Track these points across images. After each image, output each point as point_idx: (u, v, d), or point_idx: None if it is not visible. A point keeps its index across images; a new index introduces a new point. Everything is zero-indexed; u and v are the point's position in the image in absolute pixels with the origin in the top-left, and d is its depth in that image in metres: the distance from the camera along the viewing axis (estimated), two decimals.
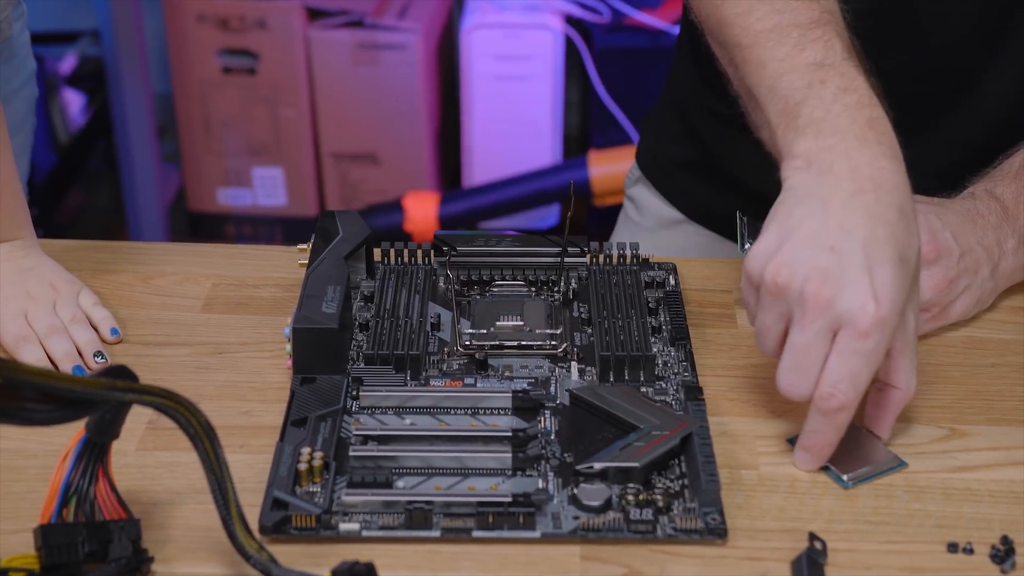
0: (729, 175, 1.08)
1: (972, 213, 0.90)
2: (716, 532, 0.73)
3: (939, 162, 0.94)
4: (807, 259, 0.74)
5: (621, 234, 1.19)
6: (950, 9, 0.95)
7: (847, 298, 0.73)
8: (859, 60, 0.81)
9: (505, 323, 0.88)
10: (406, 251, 0.95)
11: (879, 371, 0.77)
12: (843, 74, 0.79)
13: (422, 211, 2.37)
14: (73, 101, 2.49)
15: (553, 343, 0.87)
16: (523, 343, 0.87)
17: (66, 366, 0.86)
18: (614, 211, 1.28)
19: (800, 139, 0.78)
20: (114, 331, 0.90)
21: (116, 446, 0.69)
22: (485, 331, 0.88)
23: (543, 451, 0.78)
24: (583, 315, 0.91)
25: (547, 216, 2.51)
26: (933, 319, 0.89)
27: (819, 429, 0.76)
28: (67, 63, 2.48)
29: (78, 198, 2.54)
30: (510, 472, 0.76)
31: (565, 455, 0.78)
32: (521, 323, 0.88)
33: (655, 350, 0.87)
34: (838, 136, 0.77)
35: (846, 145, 0.76)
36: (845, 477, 0.78)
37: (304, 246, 0.93)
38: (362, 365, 0.85)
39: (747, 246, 0.88)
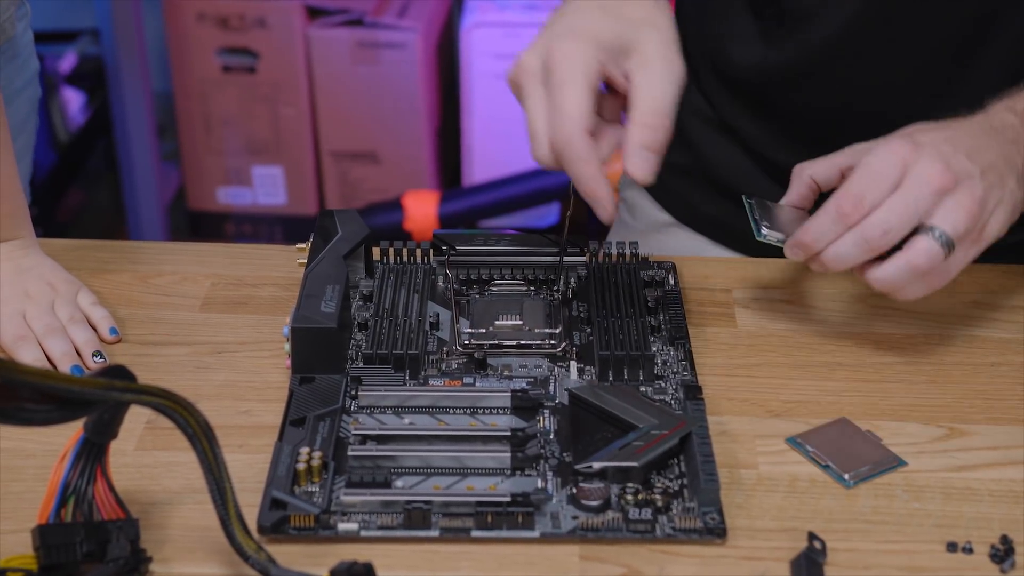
0: (717, 178, 1.08)
1: (986, 128, 0.86)
2: (715, 532, 0.73)
3: None
4: (530, 44, 0.80)
5: (615, 236, 1.19)
6: (918, 33, 0.95)
7: (539, 48, 0.79)
8: None
9: (504, 322, 0.88)
10: (405, 250, 0.95)
11: None
12: None
13: (422, 210, 2.37)
14: (73, 100, 2.49)
15: (552, 342, 0.87)
16: (522, 342, 0.87)
17: (64, 366, 0.86)
18: (622, 199, 1.28)
19: None
20: (113, 331, 0.90)
21: (114, 446, 0.69)
22: (484, 330, 0.88)
23: (542, 451, 0.78)
24: (582, 314, 0.91)
25: (547, 215, 2.50)
26: (972, 244, 0.83)
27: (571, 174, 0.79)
28: (67, 62, 2.48)
29: (78, 197, 2.54)
30: (509, 472, 0.76)
31: (564, 455, 0.78)
32: (520, 322, 0.88)
33: (654, 349, 0.87)
34: None
35: None
36: (846, 476, 0.78)
37: (303, 245, 0.93)
38: (361, 364, 0.85)
39: (764, 231, 0.87)
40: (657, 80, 0.79)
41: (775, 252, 1.03)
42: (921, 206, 0.81)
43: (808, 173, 0.90)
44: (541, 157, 0.80)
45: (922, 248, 0.81)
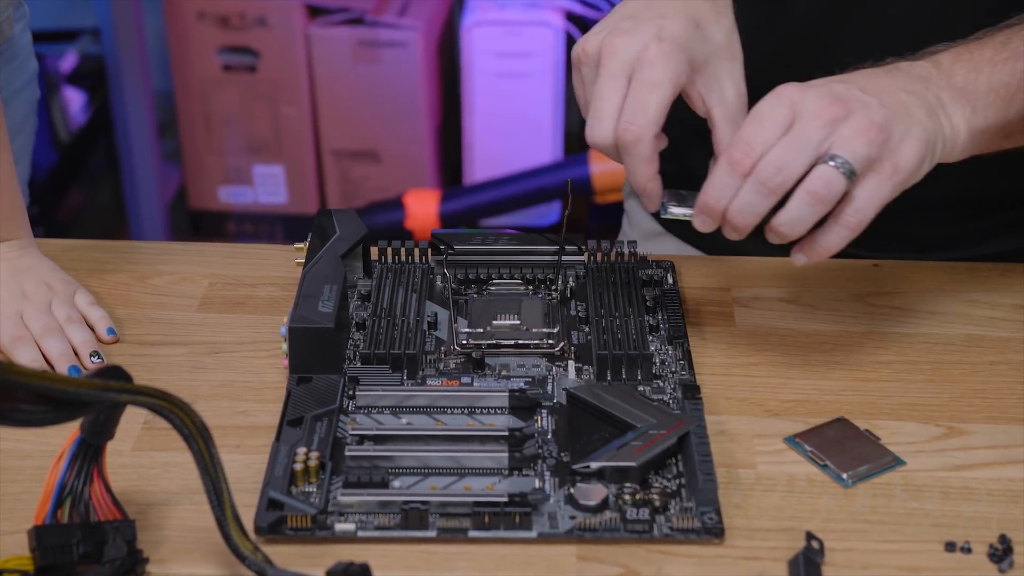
0: (700, 188, 1.08)
1: (892, 69, 0.83)
2: (713, 532, 0.72)
3: None
4: (612, 26, 0.81)
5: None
6: None
7: (634, 42, 0.80)
8: None
9: (502, 322, 0.88)
10: (403, 250, 0.95)
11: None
12: None
13: (423, 208, 2.37)
14: (74, 99, 2.49)
15: (550, 342, 0.87)
16: (520, 342, 0.87)
17: (62, 366, 0.86)
18: (615, 208, 1.28)
19: None
20: (110, 331, 0.90)
21: (112, 446, 0.69)
22: (482, 330, 0.87)
23: (540, 450, 0.78)
24: (580, 314, 0.91)
25: (548, 213, 2.50)
26: (887, 176, 0.78)
27: (630, 168, 0.81)
28: (67, 61, 2.48)
29: (79, 196, 2.54)
30: (506, 472, 0.76)
31: (562, 454, 0.78)
32: (518, 322, 0.88)
33: (652, 349, 0.87)
34: None
35: None
36: (844, 476, 0.77)
37: (301, 245, 0.93)
38: (359, 364, 0.85)
39: (670, 208, 0.84)
40: (740, 121, 0.81)
41: (773, 252, 1.03)
42: (814, 139, 0.77)
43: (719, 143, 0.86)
44: (600, 140, 0.81)
45: (818, 174, 0.77)
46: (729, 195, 0.79)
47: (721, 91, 0.83)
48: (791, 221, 0.78)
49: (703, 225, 0.81)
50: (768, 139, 0.78)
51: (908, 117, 0.79)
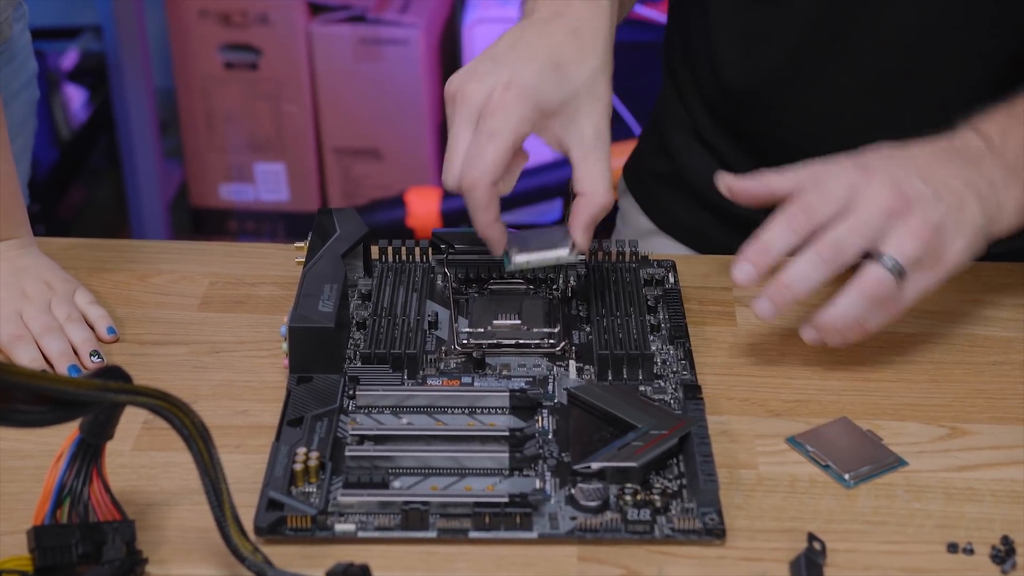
0: (694, 188, 1.09)
1: (947, 149, 0.84)
2: (714, 533, 0.72)
3: None
4: (472, 68, 0.83)
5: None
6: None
7: (483, 87, 0.81)
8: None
9: (503, 321, 0.88)
10: (404, 249, 0.94)
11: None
12: None
13: (425, 206, 2.36)
14: (75, 97, 2.49)
15: (551, 342, 0.87)
16: (521, 342, 0.86)
17: (62, 365, 0.86)
18: (615, 207, 1.28)
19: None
20: (111, 330, 0.90)
21: (111, 446, 0.69)
22: (483, 329, 0.87)
23: (540, 451, 0.77)
24: (581, 313, 0.90)
25: (550, 211, 2.50)
26: (931, 271, 0.81)
27: (471, 214, 0.85)
28: (69, 59, 2.48)
29: (80, 194, 2.53)
30: (507, 472, 0.76)
31: (563, 455, 0.77)
32: (519, 321, 0.88)
33: (654, 349, 0.86)
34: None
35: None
36: (847, 476, 0.77)
37: (301, 244, 0.93)
38: (359, 364, 0.85)
39: (514, 258, 0.85)
40: (599, 160, 0.83)
41: None
42: (872, 226, 0.80)
43: (767, 179, 0.87)
44: (449, 185, 0.83)
45: (871, 276, 0.80)
46: (781, 247, 0.81)
47: (580, 132, 0.83)
48: (839, 316, 0.81)
49: (744, 275, 0.82)
50: (827, 212, 0.81)
51: (961, 213, 0.82)
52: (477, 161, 0.81)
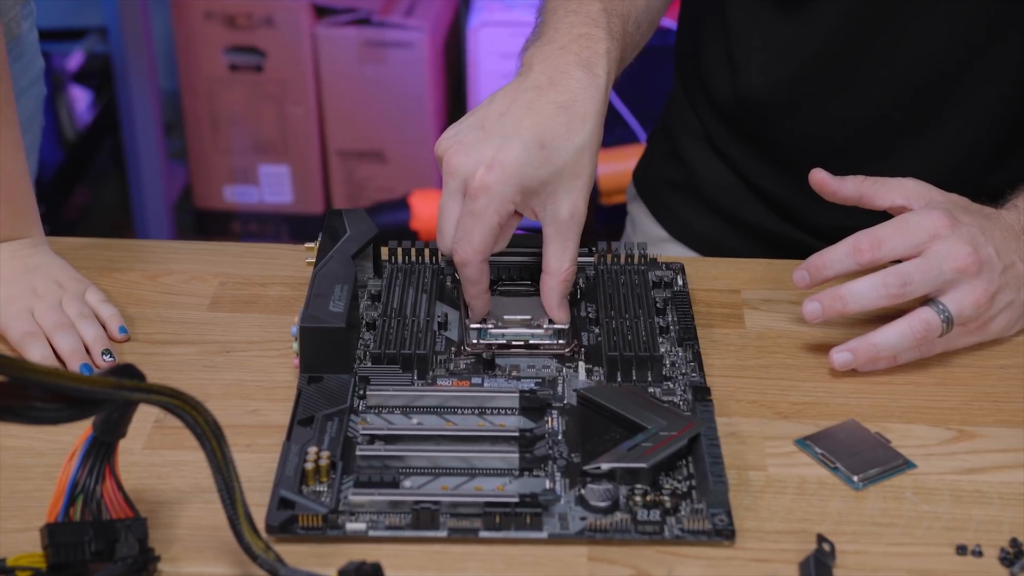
0: (707, 196, 1.09)
1: (1016, 228, 0.88)
2: (724, 534, 0.72)
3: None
4: (460, 135, 0.84)
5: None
6: (921, 35, 0.96)
7: (469, 162, 0.82)
8: (610, 18, 0.89)
9: (512, 322, 0.88)
10: (413, 250, 0.95)
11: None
12: (580, 9, 0.89)
13: (429, 209, 2.37)
14: (80, 98, 2.49)
15: (560, 343, 0.87)
16: (530, 343, 0.87)
17: (74, 363, 0.86)
18: (620, 209, 1.28)
19: (531, 48, 0.89)
20: (122, 329, 0.90)
21: (123, 445, 0.69)
22: (492, 330, 0.87)
23: (550, 451, 0.78)
24: (591, 315, 0.91)
25: None
26: (971, 333, 0.87)
27: (462, 283, 0.86)
28: (74, 60, 2.48)
29: (85, 195, 2.54)
30: (517, 472, 0.76)
31: (572, 455, 0.78)
32: (528, 322, 0.88)
33: (663, 350, 0.87)
34: (550, 45, 0.87)
35: (549, 50, 0.87)
36: (855, 478, 0.77)
37: (311, 245, 0.93)
38: (369, 364, 0.85)
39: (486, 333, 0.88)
40: (569, 239, 0.85)
41: (784, 253, 1.03)
42: (941, 276, 0.84)
43: (866, 183, 0.90)
44: (443, 251, 0.86)
45: (923, 317, 0.84)
46: (838, 269, 0.85)
47: (555, 210, 0.84)
48: (883, 344, 0.85)
49: (799, 278, 0.87)
50: (896, 249, 0.84)
51: (1016, 292, 0.87)
52: (466, 241, 0.83)
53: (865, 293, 0.84)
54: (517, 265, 0.94)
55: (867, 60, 0.98)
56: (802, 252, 0.90)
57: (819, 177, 0.89)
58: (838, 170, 0.90)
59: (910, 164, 0.96)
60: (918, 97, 0.98)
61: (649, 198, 1.17)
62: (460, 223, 0.83)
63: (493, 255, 0.94)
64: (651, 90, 2.25)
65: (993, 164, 1.00)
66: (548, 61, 0.86)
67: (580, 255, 0.94)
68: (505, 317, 0.88)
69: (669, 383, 0.84)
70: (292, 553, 0.70)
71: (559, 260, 0.85)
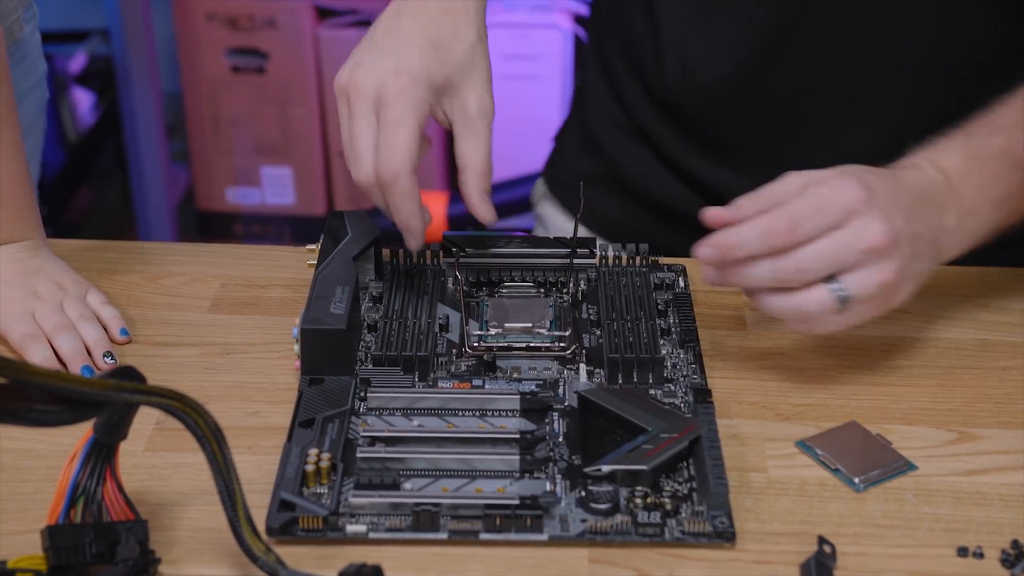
0: (629, 186, 1.09)
1: (921, 193, 0.84)
2: (724, 535, 0.72)
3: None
4: (357, 60, 0.84)
5: None
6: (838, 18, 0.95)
7: (374, 77, 0.83)
8: None
9: (513, 324, 0.88)
10: (415, 252, 0.95)
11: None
12: None
13: (431, 210, 2.36)
14: (82, 100, 2.49)
15: (561, 345, 0.87)
16: (531, 345, 0.87)
17: (75, 365, 0.86)
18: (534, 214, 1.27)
19: None
20: (123, 331, 0.90)
21: (123, 447, 0.69)
22: (493, 332, 0.87)
23: (551, 453, 0.78)
24: (592, 317, 0.91)
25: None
26: (874, 309, 0.82)
27: (392, 205, 0.85)
28: (76, 62, 2.48)
29: (87, 197, 2.54)
30: (518, 474, 0.76)
31: (573, 457, 0.78)
32: (529, 324, 0.88)
33: (664, 352, 0.87)
34: None
35: None
36: (856, 480, 0.77)
37: (313, 246, 0.93)
38: (370, 366, 0.85)
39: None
40: (480, 132, 0.86)
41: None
42: (847, 259, 0.79)
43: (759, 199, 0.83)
44: (363, 179, 0.84)
45: (816, 298, 0.80)
46: (749, 250, 0.80)
47: (463, 106, 0.86)
48: (771, 311, 0.82)
49: (703, 254, 0.81)
50: (813, 229, 0.79)
51: (921, 262, 0.82)
52: (392, 152, 0.82)
53: (759, 277, 0.80)
54: (519, 266, 0.94)
55: (813, 31, 0.96)
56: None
57: (713, 215, 0.82)
58: (773, 149, 0.89)
59: (845, 141, 0.94)
60: (870, 65, 0.96)
61: (563, 194, 1.15)
62: (381, 138, 0.83)
63: (493, 256, 0.94)
64: None
65: (927, 138, 0.97)
66: None
67: (581, 256, 0.94)
68: (506, 319, 0.88)
69: (670, 385, 0.84)
70: (292, 555, 0.70)
71: (474, 155, 0.86)
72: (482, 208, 0.86)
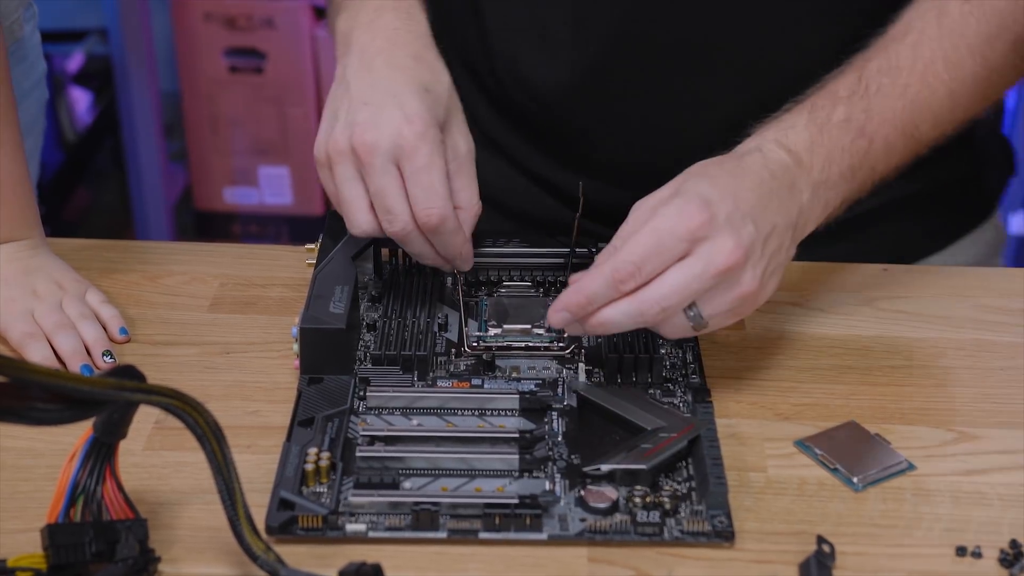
0: (494, 200, 1.04)
1: (764, 178, 0.81)
2: (723, 535, 0.72)
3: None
4: (351, 121, 0.83)
5: None
6: None
7: (386, 131, 0.82)
8: None
9: (512, 324, 0.88)
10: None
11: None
12: None
13: None
14: (80, 99, 2.49)
15: (560, 344, 0.87)
16: (530, 344, 0.87)
17: (74, 364, 0.86)
18: None
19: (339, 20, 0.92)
20: (123, 330, 0.90)
21: (123, 446, 0.69)
22: (492, 332, 0.88)
23: (550, 453, 0.78)
24: None
25: None
26: (741, 314, 0.81)
27: (441, 243, 0.86)
28: (74, 61, 2.48)
29: (85, 197, 2.54)
30: (517, 474, 0.76)
31: (572, 457, 0.78)
32: (528, 324, 0.88)
33: (663, 352, 0.87)
34: (362, 10, 0.89)
35: (364, 15, 0.89)
36: (855, 479, 0.77)
37: (312, 246, 0.93)
38: (369, 365, 0.85)
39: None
40: (470, 172, 0.86)
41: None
42: (701, 286, 0.77)
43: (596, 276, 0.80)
44: (400, 230, 0.84)
45: (675, 325, 0.79)
46: (602, 303, 0.78)
47: (455, 146, 0.86)
48: (620, 328, 0.79)
49: (561, 321, 0.79)
50: (658, 266, 0.77)
51: (780, 255, 0.81)
52: (433, 197, 0.82)
53: (619, 322, 0.78)
54: (518, 266, 0.94)
55: (642, 44, 0.94)
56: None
57: (557, 319, 0.80)
58: (623, 151, 0.92)
59: (691, 136, 0.93)
60: (691, 73, 0.95)
61: None
62: (414, 186, 0.82)
63: (493, 256, 0.94)
64: None
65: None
66: (371, 25, 0.88)
67: (580, 256, 0.94)
68: (505, 318, 0.89)
69: (669, 384, 0.84)
70: (292, 554, 0.70)
71: (469, 195, 0.86)
72: (465, 249, 0.87)
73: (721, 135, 0.88)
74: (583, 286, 0.78)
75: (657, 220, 0.78)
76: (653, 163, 0.88)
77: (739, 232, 0.78)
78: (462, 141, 0.87)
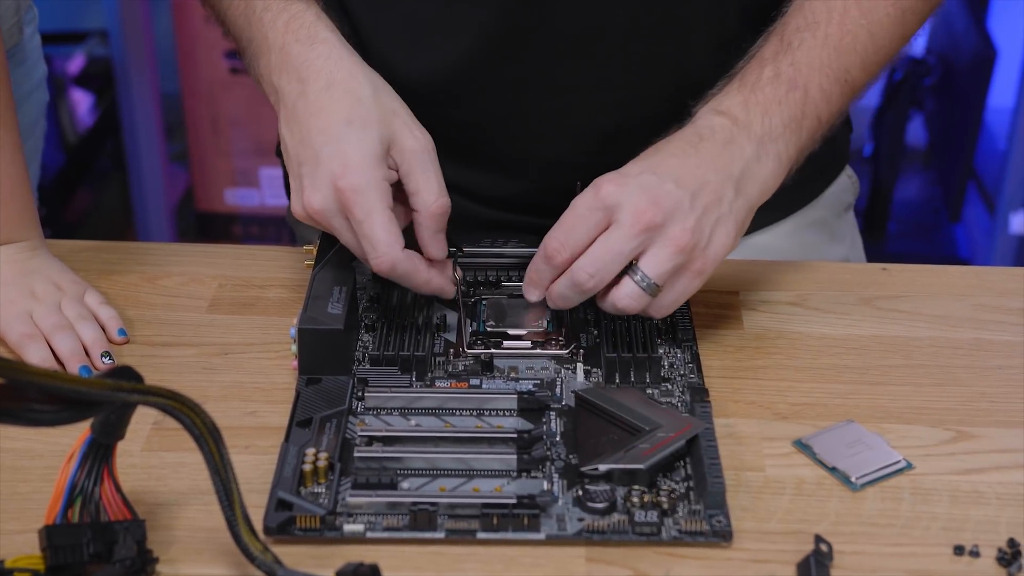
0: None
1: (693, 141, 0.83)
2: (721, 534, 0.73)
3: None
4: (298, 186, 0.84)
5: None
6: None
7: (320, 191, 0.82)
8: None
9: (511, 324, 0.88)
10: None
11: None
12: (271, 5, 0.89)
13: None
14: (81, 101, 2.49)
15: (559, 344, 0.87)
16: (529, 344, 0.87)
17: (73, 365, 0.87)
18: None
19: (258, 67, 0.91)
20: (121, 332, 0.90)
21: (121, 447, 0.69)
22: (491, 332, 0.88)
23: (548, 453, 0.78)
24: (589, 316, 0.91)
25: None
26: (697, 274, 0.82)
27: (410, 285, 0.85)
28: (75, 63, 2.49)
29: (86, 198, 2.54)
30: (515, 474, 0.76)
31: (570, 457, 0.78)
32: (527, 324, 0.88)
33: (661, 352, 0.87)
34: (275, 54, 0.88)
35: (276, 59, 0.87)
36: (853, 478, 0.77)
37: (310, 247, 0.93)
38: (367, 366, 0.85)
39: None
40: (428, 172, 0.84)
41: (775, 254, 1.03)
42: (628, 247, 0.81)
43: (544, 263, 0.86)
44: (385, 275, 0.84)
45: (625, 292, 0.82)
46: (546, 280, 0.84)
47: (400, 150, 0.84)
48: (612, 310, 0.84)
49: (531, 296, 0.86)
50: (581, 238, 0.82)
51: (719, 206, 0.82)
52: (375, 247, 0.81)
53: (566, 296, 0.84)
54: (517, 266, 0.94)
55: (519, 39, 0.94)
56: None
57: (531, 295, 0.87)
58: (509, 143, 0.93)
59: (578, 126, 0.95)
60: (571, 65, 0.94)
61: None
62: (360, 236, 0.82)
63: (493, 256, 0.94)
64: None
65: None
66: (285, 67, 0.87)
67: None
68: (504, 318, 0.89)
69: (667, 384, 0.84)
70: (290, 554, 0.70)
71: (427, 194, 0.83)
72: (432, 246, 0.85)
73: (614, 121, 0.90)
74: (530, 267, 0.85)
75: (576, 198, 0.83)
76: (551, 154, 0.90)
77: (653, 191, 0.81)
78: (409, 140, 0.83)
